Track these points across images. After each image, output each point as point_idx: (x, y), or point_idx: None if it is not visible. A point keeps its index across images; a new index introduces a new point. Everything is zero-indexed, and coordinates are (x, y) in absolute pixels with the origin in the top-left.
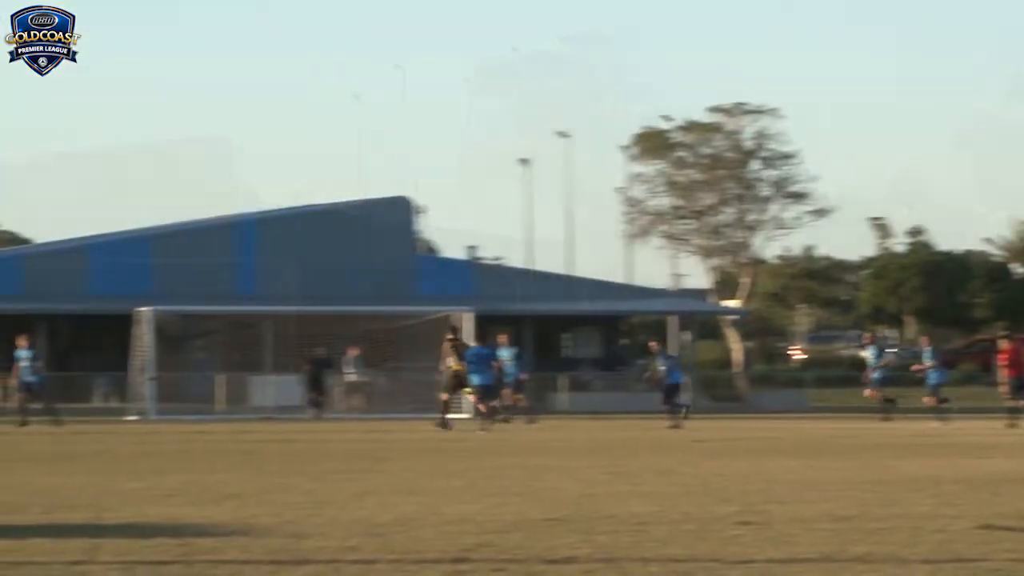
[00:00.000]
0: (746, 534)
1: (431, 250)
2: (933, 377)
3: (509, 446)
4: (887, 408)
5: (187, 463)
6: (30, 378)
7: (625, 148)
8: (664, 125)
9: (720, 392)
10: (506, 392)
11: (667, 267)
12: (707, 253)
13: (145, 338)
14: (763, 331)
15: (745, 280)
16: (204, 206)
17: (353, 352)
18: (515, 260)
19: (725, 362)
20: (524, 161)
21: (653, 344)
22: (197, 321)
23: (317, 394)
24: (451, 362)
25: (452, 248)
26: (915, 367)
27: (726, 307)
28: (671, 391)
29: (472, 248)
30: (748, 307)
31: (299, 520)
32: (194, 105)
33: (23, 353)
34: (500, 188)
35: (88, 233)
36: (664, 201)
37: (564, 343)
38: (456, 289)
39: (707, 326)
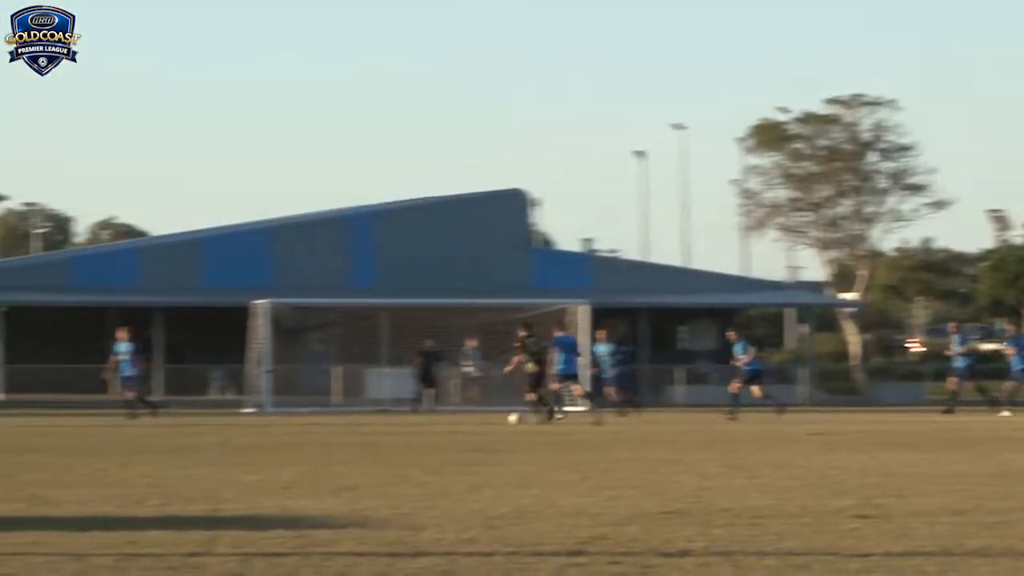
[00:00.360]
0: (863, 527)
1: (546, 243)
2: (1015, 363)
3: (624, 439)
4: (985, 399)
5: (303, 455)
6: (131, 372)
7: (741, 140)
8: (781, 117)
9: (837, 385)
10: (608, 390)
11: (783, 260)
12: (824, 245)
13: (261, 331)
14: (880, 324)
15: (862, 272)
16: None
17: (471, 344)
18: (631, 253)
19: (842, 355)
20: (639, 153)
21: (731, 334)
22: (313, 314)
23: (424, 387)
24: (526, 362)
25: (567, 241)
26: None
27: (843, 299)
28: (753, 379)
29: (587, 240)
30: (865, 300)
31: (415, 512)
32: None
33: (123, 347)
34: (615, 181)
35: (204, 226)
36: (780, 193)
37: (680, 336)
38: (572, 281)
39: (824, 319)
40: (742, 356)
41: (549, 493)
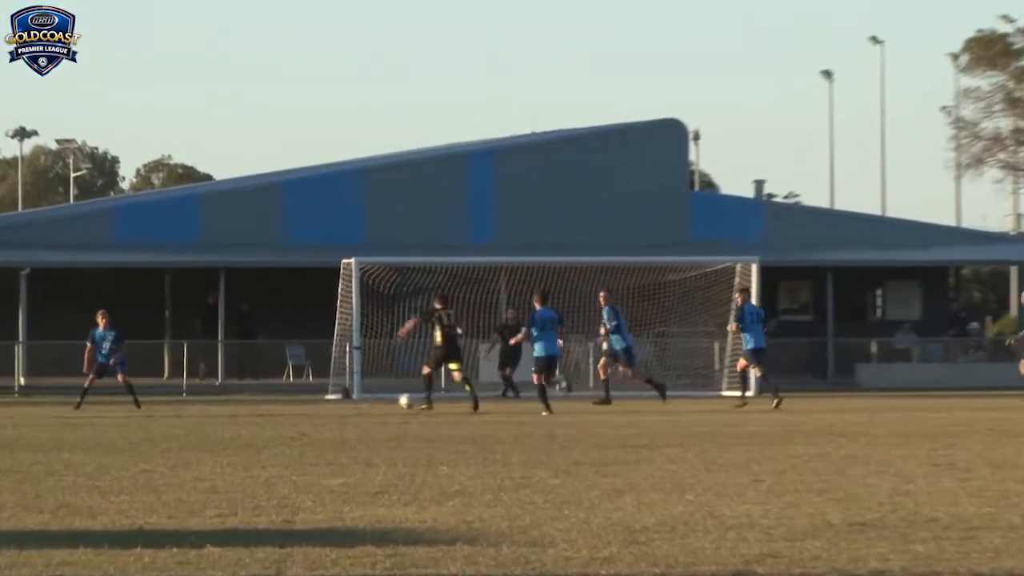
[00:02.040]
0: None
1: (708, 186)
2: None
3: (805, 432)
4: None
5: (399, 453)
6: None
7: (954, 57)
8: (1003, 27)
9: None
10: (626, 370)
11: (1007, 205)
12: None
13: (351, 297)
14: None
15: None
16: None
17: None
18: (813, 199)
19: None
20: (826, 74)
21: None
22: (415, 276)
23: (507, 371)
24: (436, 336)
25: (734, 184)
26: None
27: None
28: None
29: (759, 184)
30: None
31: (538, 524)
32: None
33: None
34: (796, 107)
35: (280, 167)
36: (1003, 123)
37: (875, 302)
38: (739, 234)
39: None
40: None
41: (708, 500)
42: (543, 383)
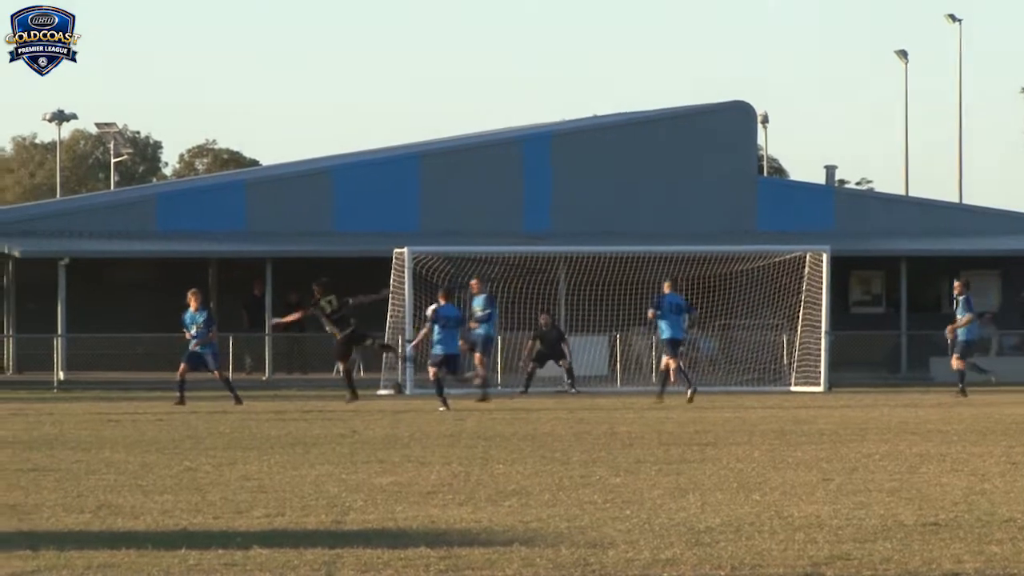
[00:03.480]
0: None
1: (777, 172)
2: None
3: (878, 428)
4: None
5: (454, 450)
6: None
7: None
8: None
9: None
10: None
11: None
12: None
13: (404, 288)
14: None
15: None
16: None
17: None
18: (886, 186)
19: None
20: (902, 54)
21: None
22: (470, 266)
23: (534, 365)
24: (327, 325)
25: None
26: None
27: None
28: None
29: (830, 169)
30: None
31: (598, 524)
32: None
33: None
34: (869, 89)
35: (332, 152)
36: None
37: (951, 293)
38: (810, 223)
39: None
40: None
41: (775, 499)
42: (667, 369)
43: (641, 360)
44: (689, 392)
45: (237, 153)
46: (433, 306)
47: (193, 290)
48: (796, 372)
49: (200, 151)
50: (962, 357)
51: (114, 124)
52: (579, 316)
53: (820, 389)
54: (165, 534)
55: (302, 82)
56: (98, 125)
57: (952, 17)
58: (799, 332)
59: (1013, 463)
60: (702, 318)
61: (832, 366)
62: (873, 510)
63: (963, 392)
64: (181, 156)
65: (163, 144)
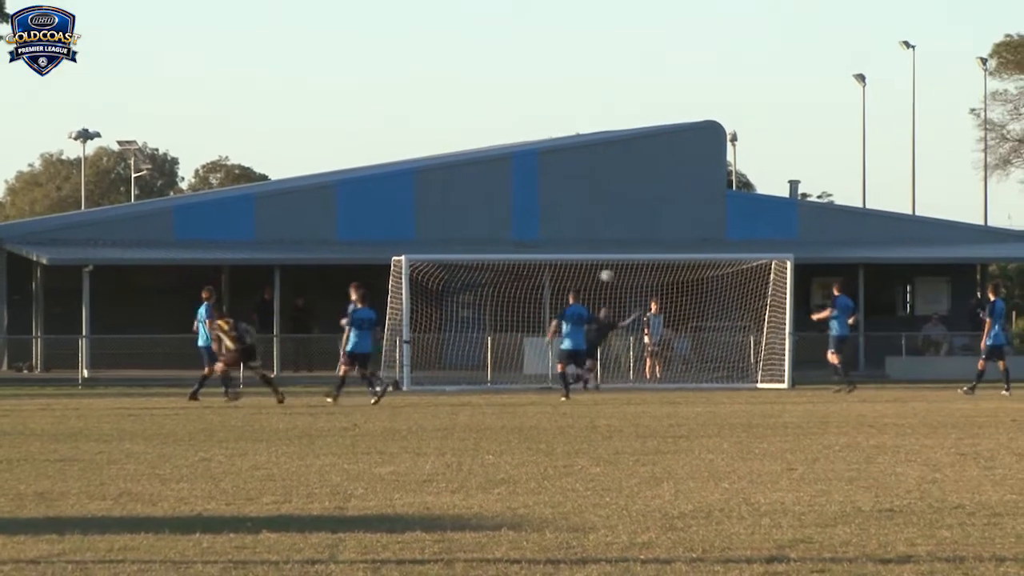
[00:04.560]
0: None
1: (745, 186)
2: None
3: (838, 422)
4: None
5: (447, 442)
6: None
7: (983, 61)
8: None
9: None
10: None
11: None
12: None
13: (401, 293)
14: None
15: None
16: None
17: (654, 308)
18: (845, 198)
19: None
20: (859, 77)
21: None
22: (462, 272)
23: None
24: (227, 343)
25: (770, 184)
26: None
27: None
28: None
29: (794, 184)
30: None
31: (580, 511)
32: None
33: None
34: (829, 110)
35: (334, 168)
36: None
37: (904, 298)
38: (775, 232)
39: None
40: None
41: (743, 488)
42: (565, 372)
43: (620, 359)
44: (564, 397)
45: (248, 169)
46: (350, 307)
47: (209, 287)
48: (762, 370)
49: (214, 167)
50: (836, 352)
51: (134, 142)
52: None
53: (784, 386)
54: (181, 519)
55: (307, 104)
56: (120, 143)
57: (906, 43)
58: (765, 333)
59: (962, 454)
60: (677, 320)
61: (795, 365)
62: (833, 497)
63: (848, 387)
64: (196, 171)
65: (180, 160)
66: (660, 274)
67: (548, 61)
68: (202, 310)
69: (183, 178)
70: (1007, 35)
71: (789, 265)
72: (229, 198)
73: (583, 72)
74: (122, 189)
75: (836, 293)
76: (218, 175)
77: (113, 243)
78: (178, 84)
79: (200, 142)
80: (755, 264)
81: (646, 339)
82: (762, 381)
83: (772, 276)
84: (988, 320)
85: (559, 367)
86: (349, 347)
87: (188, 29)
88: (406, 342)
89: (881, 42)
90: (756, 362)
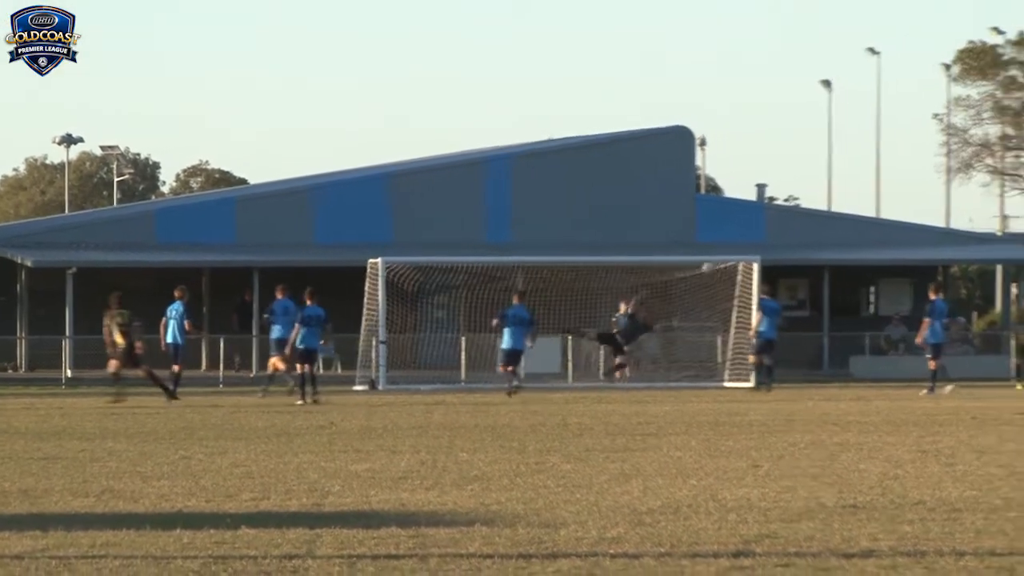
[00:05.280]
0: None
1: (713, 190)
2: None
3: (803, 420)
4: None
5: (422, 440)
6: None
7: (946, 67)
8: (993, 39)
9: None
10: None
11: (993, 207)
12: None
13: (378, 294)
14: None
15: None
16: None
17: (623, 308)
18: (811, 202)
19: None
20: (825, 83)
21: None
22: (437, 274)
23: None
24: (116, 338)
25: (737, 188)
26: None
27: None
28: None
29: (761, 187)
30: None
31: (551, 507)
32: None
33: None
34: (796, 115)
35: (313, 172)
36: (991, 129)
37: (868, 298)
38: (742, 235)
39: None
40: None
41: (710, 484)
42: (507, 371)
43: (590, 359)
44: (510, 392)
45: (228, 173)
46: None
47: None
48: (729, 369)
49: (195, 171)
50: (757, 353)
51: (117, 147)
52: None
53: (751, 385)
54: (162, 516)
55: (286, 110)
56: (103, 148)
57: (872, 50)
58: (732, 333)
59: (923, 451)
60: (653, 319)
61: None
62: (798, 493)
63: (766, 386)
64: (177, 175)
65: (161, 165)
66: (631, 276)
67: (522, 67)
68: (178, 308)
69: (164, 182)
70: (970, 42)
71: (756, 267)
72: (209, 202)
73: (556, 79)
74: (105, 193)
75: (762, 296)
76: (199, 179)
77: (96, 246)
78: (160, 89)
79: (181, 147)
80: (723, 266)
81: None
82: (729, 380)
83: (740, 278)
84: (927, 319)
85: (500, 367)
86: (299, 344)
87: (168, 35)
88: (382, 342)
89: (847, 49)
90: (723, 361)
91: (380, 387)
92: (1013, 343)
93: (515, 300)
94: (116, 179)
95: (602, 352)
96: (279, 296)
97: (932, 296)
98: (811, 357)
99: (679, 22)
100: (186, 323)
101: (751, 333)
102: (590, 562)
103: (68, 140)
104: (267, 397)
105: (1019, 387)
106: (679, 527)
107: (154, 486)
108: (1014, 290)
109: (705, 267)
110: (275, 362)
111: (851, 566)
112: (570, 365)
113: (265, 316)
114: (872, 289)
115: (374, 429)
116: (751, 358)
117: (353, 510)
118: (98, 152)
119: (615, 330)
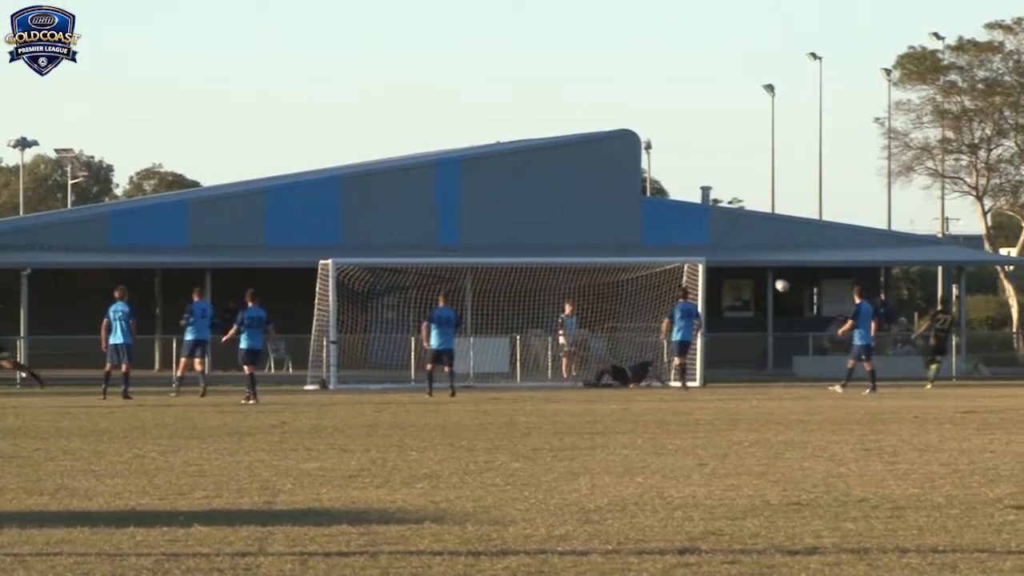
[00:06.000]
0: (1021, 520)
1: (658, 192)
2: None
3: (748, 420)
4: None
5: (372, 439)
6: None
7: (887, 72)
8: (933, 44)
9: (995, 355)
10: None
11: (933, 210)
12: (981, 193)
13: (328, 295)
14: None
15: None
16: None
17: (568, 309)
18: (755, 204)
19: (1001, 320)
20: (769, 88)
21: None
22: (386, 275)
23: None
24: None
25: (682, 191)
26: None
27: (1003, 256)
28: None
29: (706, 190)
30: None
31: (500, 504)
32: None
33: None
34: (740, 119)
35: (264, 175)
36: (931, 133)
37: (811, 299)
38: (687, 237)
39: (980, 278)
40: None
41: (656, 482)
42: (431, 371)
43: (539, 359)
44: (428, 394)
45: (180, 175)
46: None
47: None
48: (675, 369)
49: (148, 174)
50: (678, 355)
51: (71, 150)
52: (483, 320)
53: (696, 384)
54: (115, 514)
55: (238, 114)
56: (57, 151)
57: (814, 55)
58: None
59: (866, 450)
60: (593, 321)
61: (707, 364)
62: (743, 491)
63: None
64: (131, 178)
65: (115, 168)
66: (578, 277)
67: (471, 72)
68: (123, 308)
69: (118, 185)
70: (910, 47)
71: (701, 268)
72: (162, 204)
73: (505, 83)
74: (59, 196)
75: (680, 300)
76: (152, 182)
77: (51, 247)
78: (114, 93)
79: (135, 150)
80: (668, 267)
81: (561, 339)
82: (675, 380)
83: (685, 279)
84: (851, 321)
85: (428, 367)
86: (243, 345)
87: (120, 39)
88: (333, 342)
89: (790, 54)
90: (669, 361)
91: (331, 387)
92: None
93: (440, 301)
94: (70, 182)
95: (550, 353)
96: (195, 299)
97: (857, 299)
98: (755, 357)
99: (625, 28)
100: (131, 323)
101: (662, 336)
102: (538, 559)
103: (23, 143)
104: (180, 396)
105: (929, 387)
106: (626, 524)
107: (108, 484)
108: (954, 291)
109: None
110: (187, 362)
111: (795, 563)
112: (518, 365)
113: (182, 318)
114: (815, 290)
115: (325, 428)
116: (676, 360)
117: (304, 508)
118: (53, 155)
119: (560, 332)
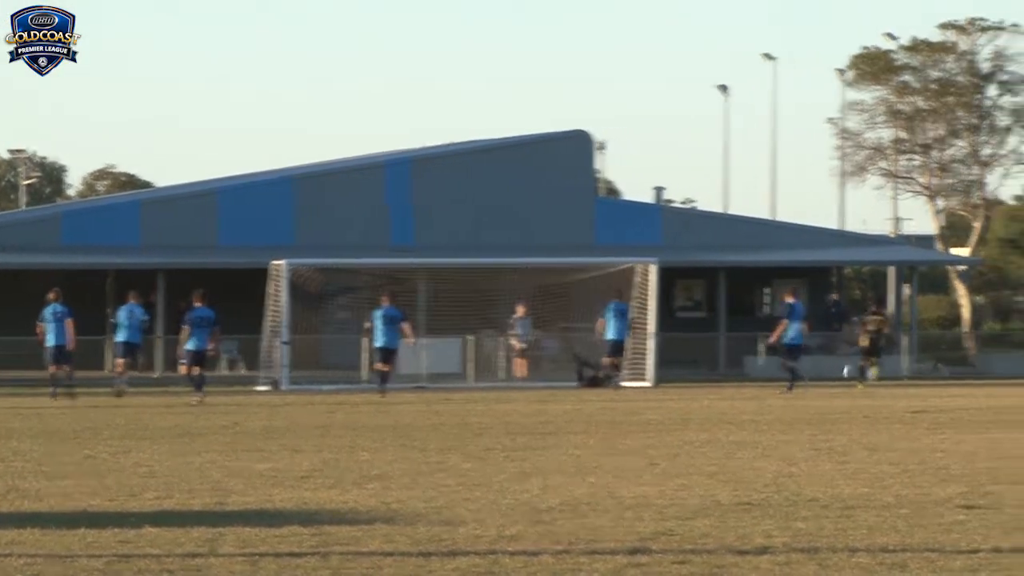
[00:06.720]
0: (970, 519)
1: (611, 193)
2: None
3: (699, 419)
4: None
5: (324, 440)
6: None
7: (840, 72)
8: (887, 45)
9: (945, 355)
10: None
11: (886, 210)
12: (933, 193)
13: (280, 296)
14: (997, 284)
15: (977, 225)
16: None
17: (521, 311)
18: (708, 204)
19: (952, 320)
20: (722, 88)
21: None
22: (339, 276)
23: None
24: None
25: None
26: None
27: (954, 256)
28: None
29: (658, 190)
30: (980, 256)
31: (451, 505)
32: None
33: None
34: (693, 119)
35: (217, 175)
36: (884, 133)
37: (763, 299)
38: (640, 237)
39: (931, 278)
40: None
41: (608, 482)
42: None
43: (491, 359)
44: (382, 392)
45: (133, 176)
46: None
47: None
48: (627, 369)
49: (101, 174)
50: (610, 355)
51: (24, 150)
52: (436, 320)
53: (648, 384)
54: (66, 515)
55: (190, 115)
56: (10, 151)
57: (767, 55)
58: (630, 334)
59: (816, 450)
60: (546, 322)
61: (659, 364)
62: (694, 491)
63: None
64: (84, 179)
65: (68, 168)
66: (532, 277)
67: (423, 72)
68: (60, 309)
69: (71, 185)
70: (864, 47)
71: (653, 269)
72: (115, 204)
73: (457, 84)
74: (12, 196)
75: (614, 299)
76: (105, 182)
77: (3, 248)
78: (67, 93)
79: (88, 150)
80: (622, 268)
81: (513, 341)
82: (627, 380)
83: (637, 279)
84: (785, 320)
85: (377, 365)
86: (189, 346)
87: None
88: (285, 343)
89: (743, 54)
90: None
91: (283, 387)
92: (905, 342)
93: (385, 301)
94: (23, 182)
95: (501, 353)
96: (131, 301)
97: (790, 299)
98: (708, 357)
99: (578, 27)
100: (68, 322)
101: (596, 337)
102: (489, 560)
103: None
104: (123, 396)
105: (860, 387)
106: (577, 525)
107: (59, 485)
108: (906, 291)
109: None
110: (123, 363)
111: (746, 563)
112: (470, 365)
113: (112, 319)
114: (767, 290)
115: (276, 429)
116: (605, 360)
117: (255, 509)
118: (6, 155)
119: (512, 332)
